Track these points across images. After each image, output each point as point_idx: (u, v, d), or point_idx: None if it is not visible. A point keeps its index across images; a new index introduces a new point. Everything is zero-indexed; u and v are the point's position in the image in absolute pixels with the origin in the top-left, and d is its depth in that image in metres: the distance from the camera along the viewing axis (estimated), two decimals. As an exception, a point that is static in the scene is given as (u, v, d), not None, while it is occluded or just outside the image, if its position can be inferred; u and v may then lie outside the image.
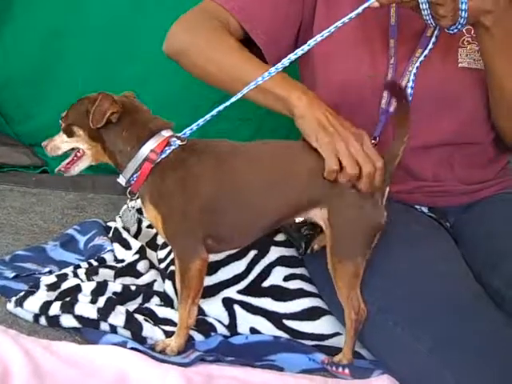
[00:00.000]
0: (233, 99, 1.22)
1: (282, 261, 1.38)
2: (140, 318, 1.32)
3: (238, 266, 1.38)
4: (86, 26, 2.06)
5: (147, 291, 1.43)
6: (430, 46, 1.30)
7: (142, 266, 1.52)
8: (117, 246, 1.60)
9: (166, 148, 1.20)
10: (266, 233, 1.27)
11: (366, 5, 1.19)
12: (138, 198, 1.26)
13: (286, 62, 1.20)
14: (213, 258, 1.36)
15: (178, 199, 1.19)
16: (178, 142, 1.21)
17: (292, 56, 1.20)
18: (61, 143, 1.28)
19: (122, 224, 1.60)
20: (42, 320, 1.31)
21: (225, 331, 1.34)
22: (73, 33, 2.08)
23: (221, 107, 1.22)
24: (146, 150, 1.20)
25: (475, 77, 1.35)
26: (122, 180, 1.25)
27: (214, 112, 1.23)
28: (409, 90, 1.29)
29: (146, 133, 1.22)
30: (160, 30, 1.94)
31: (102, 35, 2.06)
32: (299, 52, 1.21)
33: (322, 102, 1.24)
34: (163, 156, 1.20)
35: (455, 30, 1.21)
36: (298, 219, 1.25)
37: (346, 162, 1.17)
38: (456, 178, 1.42)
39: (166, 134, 1.22)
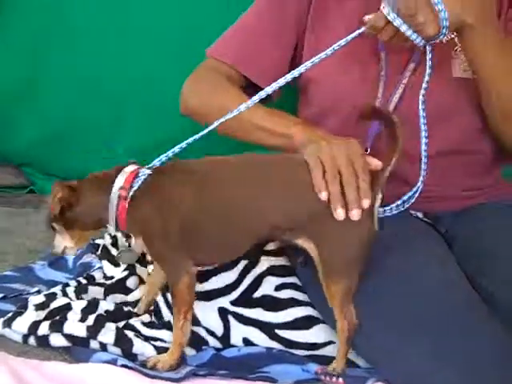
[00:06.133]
0: (209, 128, 1.24)
1: (272, 270, 1.37)
2: (130, 334, 1.30)
3: (229, 276, 1.36)
4: (71, 41, 2.04)
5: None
6: (428, 70, 1.25)
7: (131, 282, 1.51)
8: (106, 263, 1.58)
9: (136, 180, 1.21)
10: (248, 249, 1.25)
11: (349, 37, 1.22)
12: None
13: (262, 93, 1.24)
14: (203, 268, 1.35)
15: (157, 222, 1.19)
16: (147, 171, 1.22)
17: (261, 93, 1.24)
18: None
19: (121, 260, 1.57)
20: (31, 340, 1.29)
21: (217, 344, 1.32)
22: (57, 49, 2.05)
23: (192, 138, 1.24)
24: (115, 190, 1.20)
25: (470, 86, 1.34)
26: (111, 229, 1.24)
27: (184, 144, 1.25)
28: (421, 120, 1.25)
29: (108, 179, 1.22)
30: (146, 41, 1.98)
31: (87, 51, 2.05)
32: (268, 89, 1.24)
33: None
34: (135, 188, 1.20)
35: (445, 33, 1.19)
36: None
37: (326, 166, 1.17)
38: (452, 184, 1.41)
39: (129, 169, 1.23)
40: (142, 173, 1.22)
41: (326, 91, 1.40)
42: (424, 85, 1.24)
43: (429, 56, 1.24)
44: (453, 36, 1.34)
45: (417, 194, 1.26)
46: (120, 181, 1.21)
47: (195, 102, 1.44)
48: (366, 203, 1.14)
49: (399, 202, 1.27)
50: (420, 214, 1.43)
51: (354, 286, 1.18)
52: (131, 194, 1.20)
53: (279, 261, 1.39)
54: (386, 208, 1.27)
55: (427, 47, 1.23)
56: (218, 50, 1.49)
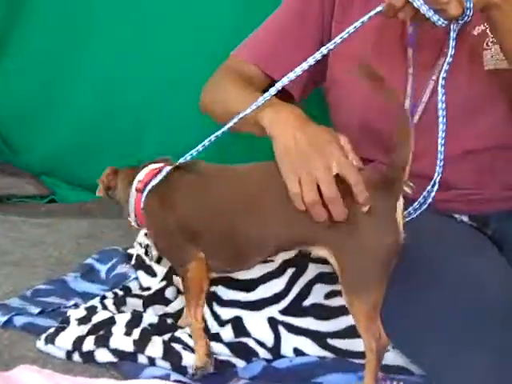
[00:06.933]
0: (223, 129, 1.17)
1: (321, 278, 1.33)
2: (178, 346, 1.26)
3: (277, 285, 1.32)
4: (90, 51, 2.03)
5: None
6: (451, 51, 1.16)
7: (169, 292, 1.47)
8: (141, 274, 1.54)
9: (157, 176, 1.22)
10: (259, 261, 1.20)
11: (366, 16, 1.12)
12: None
13: (272, 91, 1.16)
14: (249, 275, 1.33)
15: (159, 217, 1.21)
16: (169, 168, 1.21)
17: (277, 85, 1.16)
18: None
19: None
20: (76, 356, 1.25)
21: (267, 355, 1.28)
22: (76, 58, 2.04)
23: (211, 137, 1.18)
24: (135, 183, 1.24)
25: (505, 77, 1.30)
26: (132, 221, 1.28)
27: (204, 143, 1.19)
28: (439, 104, 1.15)
29: (134, 173, 1.26)
30: (166, 49, 1.94)
31: (106, 60, 2.03)
32: (285, 79, 1.15)
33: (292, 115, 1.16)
34: (154, 183, 1.21)
35: (469, 14, 1.09)
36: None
37: (304, 188, 1.07)
38: (498, 183, 1.36)
39: (155, 166, 1.25)
40: (164, 169, 1.22)
41: (351, 93, 1.36)
42: (445, 66, 1.15)
43: (452, 35, 1.14)
44: (483, 28, 1.30)
45: (435, 187, 1.16)
46: (141, 175, 1.24)
47: (211, 106, 1.41)
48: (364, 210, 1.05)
49: (421, 200, 1.18)
50: (465, 218, 1.39)
51: (380, 300, 1.07)
52: (148, 188, 1.21)
53: (328, 267, 1.35)
54: (410, 209, 1.19)
55: (452, 26, 1.13)
56: (240, 50, 1.47)
